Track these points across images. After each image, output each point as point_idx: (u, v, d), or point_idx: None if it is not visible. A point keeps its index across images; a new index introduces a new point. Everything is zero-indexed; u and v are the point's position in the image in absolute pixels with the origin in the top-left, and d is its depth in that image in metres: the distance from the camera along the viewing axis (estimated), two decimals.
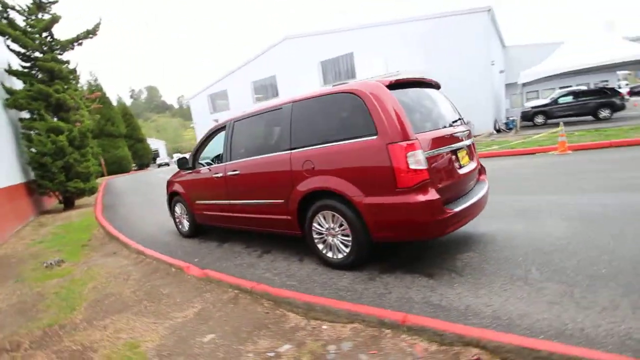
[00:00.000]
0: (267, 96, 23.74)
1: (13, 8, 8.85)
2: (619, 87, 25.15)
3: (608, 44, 13.45)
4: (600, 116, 14.99)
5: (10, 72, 8.93)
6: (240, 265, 3.76)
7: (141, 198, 11.12)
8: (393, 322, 2.06)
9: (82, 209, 9.61)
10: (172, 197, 5.50)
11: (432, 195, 2.67)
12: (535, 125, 16.95)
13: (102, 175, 24.01)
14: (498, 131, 17.03)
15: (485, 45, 15.60)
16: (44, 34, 9.37)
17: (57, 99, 8.88)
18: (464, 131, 3.34)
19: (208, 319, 2.59)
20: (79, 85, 10.98)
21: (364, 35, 18.36)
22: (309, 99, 3.34)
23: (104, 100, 26.50)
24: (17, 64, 9.24)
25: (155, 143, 45.17)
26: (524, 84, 14.99)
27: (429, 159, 2.75)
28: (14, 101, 8.50)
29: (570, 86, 20.89)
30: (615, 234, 3.12)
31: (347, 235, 3.08)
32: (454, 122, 3.31)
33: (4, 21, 8.60)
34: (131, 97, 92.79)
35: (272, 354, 2.07)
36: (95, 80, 31.22)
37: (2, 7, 8.61)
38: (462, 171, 3.14)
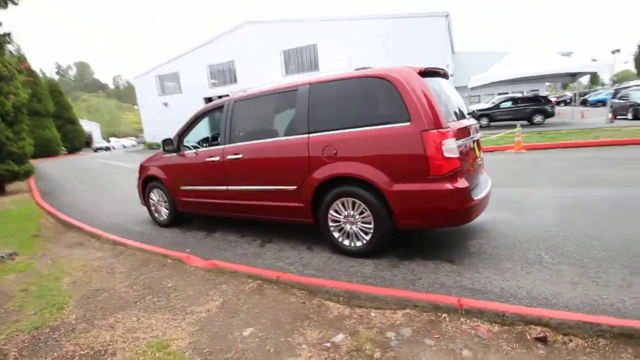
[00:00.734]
0: (225, 82, 22.59)
1: None
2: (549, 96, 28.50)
3: (544, 58, 15.14)
4: (534, 121, 16.85)
5: None
6: (244, 255, 3.52)
7: (85, 185, 9.93)
8: (449, 306, 2.07)
9: (15, 195, 8.25)
10: (147, 183, 4.96)
11: (463, 183, 2.75)
12: (480, 127, 18.49)
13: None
14: None
15: (443, 49, 16.54)
16: None
17: None
18: (475, 124, 3.48)
19: (236, 312, 2.37)
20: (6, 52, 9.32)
21: (328, 28, 18.32)
22: (330, 82, 3.21)
23: (30, 73, 22.93)
24: None
25: (88, 125, 40.39)
26: (472, 88, 16.24)
27: (458, 148, 2.81)
28: None
29: (507, 93, 23.16)
30: (596, 222, 3.51)
31: (368, 223, 3.04)
32: (468, 114, 3.43)
33: None
34: (58, 73, 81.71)
35: (328, 344, 1.96)
36: (18, 50, 26.86)
37: None
38: (477, 162, 3.27)
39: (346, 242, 3.21)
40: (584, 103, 28.68)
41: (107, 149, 35.07)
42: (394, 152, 2.82)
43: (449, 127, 2.74)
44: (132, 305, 2.60)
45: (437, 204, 2.74)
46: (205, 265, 3.13)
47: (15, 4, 7.96)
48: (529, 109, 17.16)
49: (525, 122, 17.21)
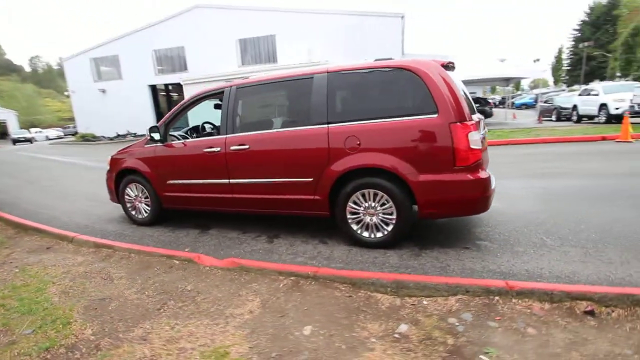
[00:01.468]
0: (174, 69, 20.99)
1: None
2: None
3: (485, 63, 16.67)
4: None
5: None
6: (254, 252, 3.33)
7: (19, 181, 8.57)
8: (500, 289, 2.19)
9: None
10: (121, 178, 4.43)
11: (485, 173, 2.91)
12: None
13: None
14: None
15: (399, 49, 17.26)
16: None
17: None
18: (483, 119, 3.69)
19: (283, 311, 2.24)
20: None
21: (288, 19, 18.00)
22: (351, 71, 3.15)
23: None
24: None
25: (2, 113, 34.71)
26: None
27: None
28: None
29: None
30: (574, 208, 3.95)
31: (389, 214, 3.07)
32: (476, 107, 3.62)
33: None
34: None
35: (396, 336, 1.95)
36: None
37: None
38: (487, 154, 3.48)
39: (365, 234, 3.21)
40: (510, 105, 32.19)
41: (29, 140, 30.42)
42: (421, 143, 2.88)
43: (473, 119, 2.87)
44: (155, 313, 2.30)
45: (462, 193, 2.86)
46: (225, 265, 2.89)
47: None
48: None
49: None
